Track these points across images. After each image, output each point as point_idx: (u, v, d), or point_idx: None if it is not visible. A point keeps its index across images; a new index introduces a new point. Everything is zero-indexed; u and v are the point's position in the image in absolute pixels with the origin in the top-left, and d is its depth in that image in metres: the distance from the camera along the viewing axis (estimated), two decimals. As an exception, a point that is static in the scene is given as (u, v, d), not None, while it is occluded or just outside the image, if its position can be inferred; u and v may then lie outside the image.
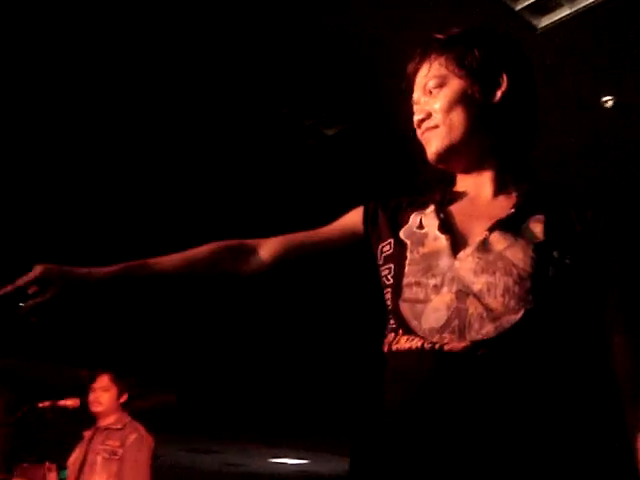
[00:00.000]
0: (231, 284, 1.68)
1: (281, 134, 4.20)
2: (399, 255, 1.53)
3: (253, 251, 1.69)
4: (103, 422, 4.33)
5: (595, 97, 3.86)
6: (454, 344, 1.37)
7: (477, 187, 1.59)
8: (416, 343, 1.41)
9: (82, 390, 4.38)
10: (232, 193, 4.72)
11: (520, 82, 1.57)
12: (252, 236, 1.79)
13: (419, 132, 1.60)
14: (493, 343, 1.35)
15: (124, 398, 4.37)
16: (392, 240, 1.57)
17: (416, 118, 1.59)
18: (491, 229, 1.46)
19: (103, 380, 4.36)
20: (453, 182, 1.63)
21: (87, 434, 4.38)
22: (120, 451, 4.18)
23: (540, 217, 1.48)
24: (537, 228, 1.47)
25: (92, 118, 4.07)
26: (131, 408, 4.37)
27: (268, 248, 1.69)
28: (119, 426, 4.28)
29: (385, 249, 1.58)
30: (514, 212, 1.48)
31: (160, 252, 1.72)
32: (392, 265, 1.54)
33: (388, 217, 1.63)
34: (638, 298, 1.47)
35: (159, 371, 6.31)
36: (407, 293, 1.48)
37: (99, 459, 4.18)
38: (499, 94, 1.54)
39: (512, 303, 1.38)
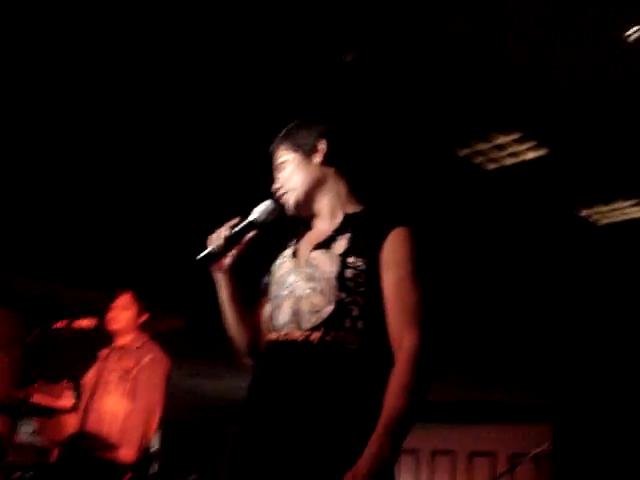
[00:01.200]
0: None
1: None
2: (269, 281, 2.26)
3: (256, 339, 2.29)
4: (120, 341, 4.33)
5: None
6: (294, 334, 2.05)
7: (318, 221, 2.28)
8: (274, 335, 2.11)
9: (96, 311, 4.38)
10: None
11: (336, 143, 2.30)
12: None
13: (277, 196, 2.29)
14: (319, 328, 2.02)
15: (143, 318, 4.35)
16: (269, 272, 2.28)
17: (274, 188, 2.30)
18: (312, 249, 2.17)
19: (124, 299, 4.33)
20: (310, 224, 2.30)
21: (103, 353, 4.38)
22: (134, 371, 4.18)
23: (347, 235, 2.14)
24: (342, 244, 2.13)
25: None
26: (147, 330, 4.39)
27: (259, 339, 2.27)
28: (136, 345, 4.27)
29: (265, 279, 2.30)
30: (329, 234, 2.18)
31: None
32: (266, 288, 2.27)
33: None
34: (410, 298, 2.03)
35: (169, 294, 6.34)
36: (272, 304, 2.20)
37: (113, 378, 4.18)
38: (321, 156, 2.27)
39: (327, 299, 2.05)
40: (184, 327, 7.52)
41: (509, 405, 12.98)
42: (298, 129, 2.32)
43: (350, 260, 2.06)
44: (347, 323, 2.01)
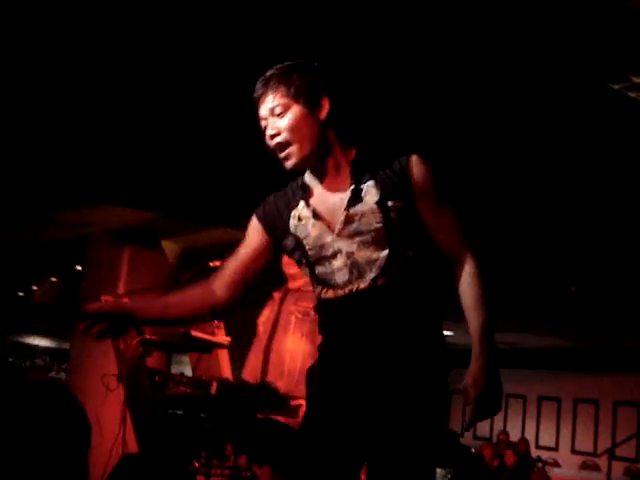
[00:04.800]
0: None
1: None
2: (299, 245, 2.26)
3: (211, 293, 2.39)
4: (293, 284, 4.43)
5: None
6: (362, 285, 2.17)
7: (322, 175, 2.27)
8: (339, 292, 2.21)
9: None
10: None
11: (338, 100, 2.25)
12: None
13: (271, 145, 2.25)
14: (382, 274, 2.16)
15: None
16: (290, 236, 2.28)
17: (268, 134, 2.25)
18: (346, 208, 2.19)
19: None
20: (303, 172, 2.31)
21: (277, 295, 4.52)
22: (312, 312, 4.28)
23: (370, 182, 2.21)
24: (372, 191, 2.19)
25: None
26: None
27: (222, 287, 2.39)
28: (311, 288, 4.37)
29: (288, 243, 2.29)
30: (352, 188, 2.21)
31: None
32: (299, 252, 2.28)
33: (275, 219, 2.33)
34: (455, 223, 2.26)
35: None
36: (318, 266, 2.24)
37: (293, 319, 4.31)
38: (324, 113, 2.23)
39: (380, 246, 2.16)
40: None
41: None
42: (296, 75, 2.24)
43: (389, 204, 2.18)
44: (402, 257, 2.19)
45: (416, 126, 5.07)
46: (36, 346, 23.33)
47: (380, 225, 2.17)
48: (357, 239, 2.18)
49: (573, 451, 14.74)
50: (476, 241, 2.29)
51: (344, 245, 2.19)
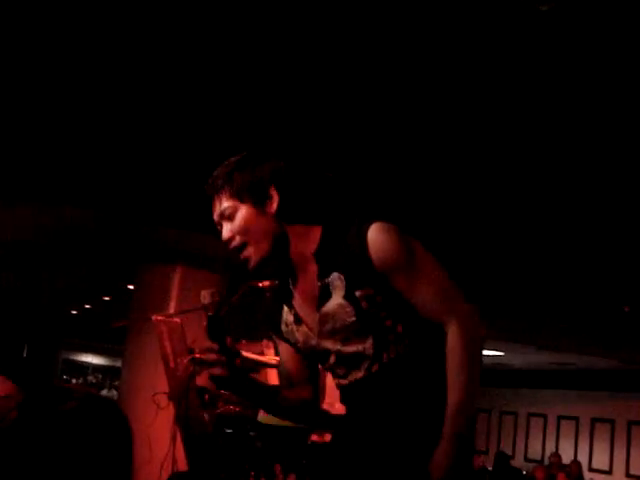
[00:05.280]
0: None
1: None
2: (294, 346, 2.26)
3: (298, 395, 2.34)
4: None
5: None
6: (359, 375, 2.14)
7: (292, 271, 2.18)
8: (343, 382, 2.20)
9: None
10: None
11: (289, 189, 2.14)
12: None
13: (229, 250, 2.15)
14: (374, 361, 2.11)
15: None
16: (282, 339, 2.27)
17: (223, 239, 2.15)
18: (318, 308, 2.12)
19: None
20: (281, 268, 2.22)
21: None
22: None
23: (336, 275, 2.09)
24: (339, 285, 2.08)
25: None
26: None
27: (298, 388, 2.34)
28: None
29: (289, 339, 2.26)
30: (319, 285, 2.11)
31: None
32: (301, 350, 2.25)
33: (275, 326, 2.27)
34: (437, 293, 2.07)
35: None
36: (319, 362, 2.26)
37: None
38: (274, 206, 2.12)
39: (362, 337, 2.10)
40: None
41: None
42: (237, 174, 2.14)
43: (358, 294, 2.07)
44: (391, 337, 2.11)
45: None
46: (89, 363, 23.68)
47: (354, 319, 2.09)
48: (338, 337, 2.13)
49: (628, 475, 14.46)
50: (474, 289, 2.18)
51: (329, 344, 2.16)
